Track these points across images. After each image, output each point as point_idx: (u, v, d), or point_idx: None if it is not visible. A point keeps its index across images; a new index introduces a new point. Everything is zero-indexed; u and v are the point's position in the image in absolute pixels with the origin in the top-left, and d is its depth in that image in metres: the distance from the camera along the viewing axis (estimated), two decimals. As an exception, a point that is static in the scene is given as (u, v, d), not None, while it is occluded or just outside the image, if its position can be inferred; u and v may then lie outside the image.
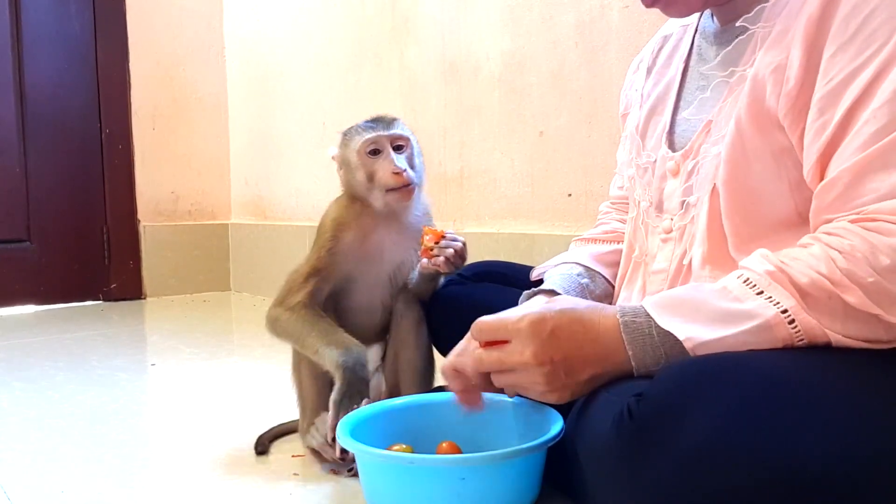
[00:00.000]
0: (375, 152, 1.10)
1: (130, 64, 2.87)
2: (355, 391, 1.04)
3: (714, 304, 0.69)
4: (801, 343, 0.66)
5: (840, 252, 0.65)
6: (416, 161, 1.14)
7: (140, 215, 2.92)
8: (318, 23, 2.55)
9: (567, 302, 0.79)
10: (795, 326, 0.66)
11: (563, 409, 0.89)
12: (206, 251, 3.04)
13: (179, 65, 2.97)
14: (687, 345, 0.69)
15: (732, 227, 0.79)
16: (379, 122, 1.12)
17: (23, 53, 2.70)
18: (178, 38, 2.96)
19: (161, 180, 2.96)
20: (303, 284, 1.12)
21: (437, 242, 1.10)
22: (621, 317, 0.73)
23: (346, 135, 1.14)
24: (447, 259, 1.09)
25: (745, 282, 0.68)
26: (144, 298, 2.92)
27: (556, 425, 0.86)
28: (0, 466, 1.12)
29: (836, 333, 0.66)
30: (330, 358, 1.06)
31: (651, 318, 0.71)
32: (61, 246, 2.80)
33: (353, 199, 1.14)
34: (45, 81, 2.74)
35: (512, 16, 1.85)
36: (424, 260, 1.11)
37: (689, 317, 0.70)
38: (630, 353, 0.72)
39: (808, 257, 0.67)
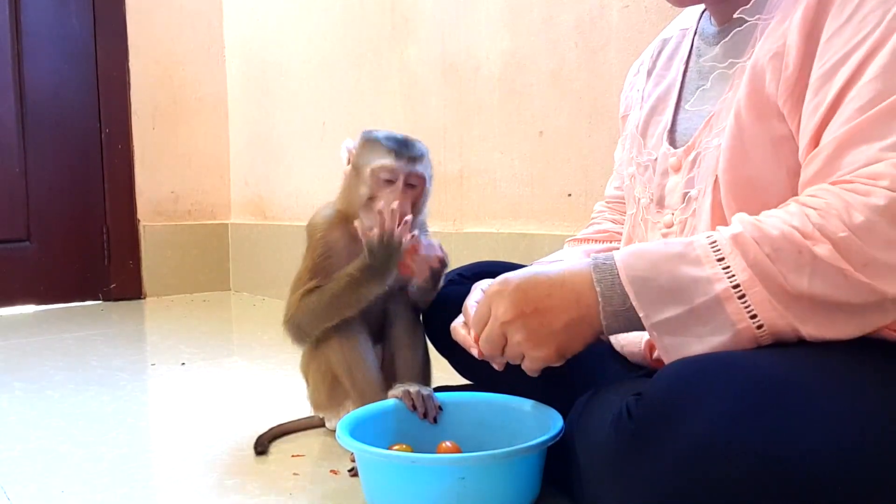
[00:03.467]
0: (388, 181, 1.08)
1: (130, 63, 2.87)
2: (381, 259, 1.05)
3: (674, 270, 0.69)
4: (753, 319, 0.67)
5: (815, 209, 0.66)
6: (422, 201, 1.12)
7: (140, 215, 2.92)
8: (317, 22, 2.56)
9: (534, 266, 0.81)
10: (745, 302, 0.66)
11: (563, 408, 0.89)
12: (206, 251, 3.04)
13: (179, 64, 2.97)
14: (640, 313, 0.70)
15: (732, 215, 0.80)
16: (404, 150, 1.09)
17: (22, 53, 2.70)
18: (178, 37, 2.96)
19: (161, 180, 2.96)
20: (306, 284, 1.12)
21: (411, 258, 1.06)
22: (593, 259, 0.75)
23: (368, 141, 1.11)
24: (433, 270, 1.07)
25: (711, 243, 0.69)
26: (144, 298, 2.92)
27: (556, 425, 0.86)
28: (0, 466, 1.13)
29: (800, 292, 0.65)
30: (354, 266, 1.07)
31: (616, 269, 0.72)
32: (61, 246, 2.80)
33: (347, 200, 1.14)
34: (44, 81, 2.74)
35: (512, 15, 1.85)
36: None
37: (648, 283, 0.70)
38: (598, 289, 0.73)
39: (783, 213, 0.68)
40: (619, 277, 0.72)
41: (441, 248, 1.10)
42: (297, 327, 1.14)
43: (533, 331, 0.76)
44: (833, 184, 0.68)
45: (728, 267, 0.67)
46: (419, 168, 1.09)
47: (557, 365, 0.78)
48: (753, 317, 0.67)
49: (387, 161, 1.08)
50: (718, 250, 0.68)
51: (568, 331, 0.75)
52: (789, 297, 0.66)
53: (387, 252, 1.04)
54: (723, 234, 0.69)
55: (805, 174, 0.72)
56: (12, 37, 2.68)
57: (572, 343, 0.77)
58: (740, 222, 0.70)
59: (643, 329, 0.73)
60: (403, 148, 1.09)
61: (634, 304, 0.70)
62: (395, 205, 1.04)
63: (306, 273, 1.13)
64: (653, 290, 0.70)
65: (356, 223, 1.04)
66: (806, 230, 0.66)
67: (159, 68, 2.93)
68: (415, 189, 1.10)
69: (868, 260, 0.64)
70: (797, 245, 0.66)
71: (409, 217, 1.05)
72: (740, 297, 0.67)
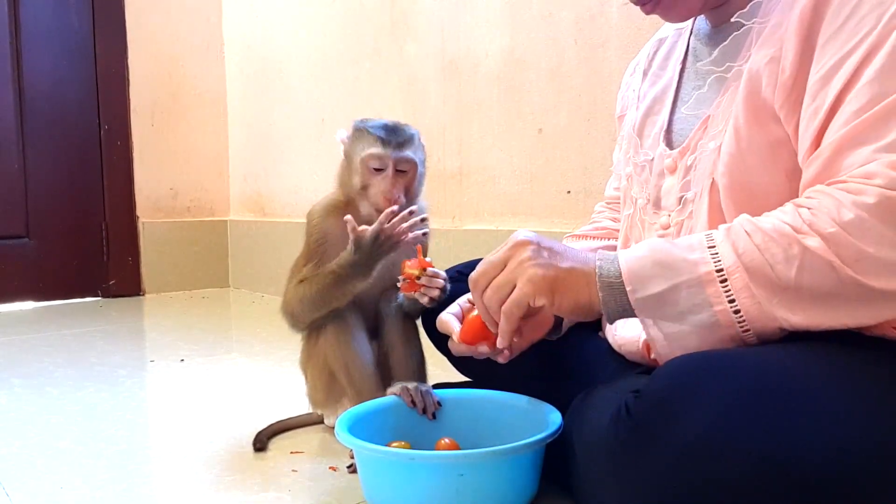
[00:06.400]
0: (378, 169, 1.09)
1: (129, 60, 2.86)
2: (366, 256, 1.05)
3: (666, 251, 0.73)
4: (731, 304, 0.69)
5: (808, 208, 0.68)
6: (416, 185, 1.13)
7: (139, 211, 2.92)
8: (317, 19, 2.55)
9: None
10: (726, 286, 0.69)
11: (561, 405, 0.90)
12: (205, 248, 3.04)
13: (178, 61, 2.97)
14: (627, 288, 0.73)
15: (732, 219, 0.80)
16: (392, 136, 1.09)
17: (21, 49, 2.70)
18: (177, 33, 2.96)
19: (160, 176, 2.96)
20: (301, 269, 1.14)
21: (423, 270, 1.03)
22: (599, 252, 0.79)
23: (358, 130, 1.12)
24: (430, 298, 1.04)
25: (706, 235, 0.73)
26: (143, 295, 2.92)
27: (555, 422, 0.87)
28: (-1, 462, 1.13)
29: (788, 283, 0.67)
30: (338, 263, 1.07)
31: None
32: (60, 242, 2.80)
33: (342, 189, 1.15)
34: (43, 77, 2.74)
35: (511, 12, 1.85)
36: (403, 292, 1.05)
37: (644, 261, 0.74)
38: (598, 263, 0.76)
39: (777, 212, 0.71)
40: (617, 259, 0.75)
41: (445, 277, 1.07)
42: (292, 315, 1.16)
43: (541, 256, 0.77)
44: (829, 184, 0.69)
45: (716, 253, 0.70)
46: (408, 153, 1.10)
47: (539, 304, 0.77)
48: (731, 301, 0.69)
49: (374, 149, 1.08)
50: (712, 240, 0.71)
51: (570, 274, 0.76)
52: (775, 287, 0.68)
53: (378, 251, 1.05)
54: (719, 229, 0.72)
55: (805, 177, 0.73)
56: (11, 33, 2.67)
57: (568, 288, 0.76)
58: (737, 219, 0.72)
59: (634, 314, 0.75)
60: (391, 134, 1.10)
61: (624, 278, 0.73)
62: (394, 208, 1.04)
63: (302, 259, 1.15)
64: (644, 266, 0.73)
65: (346, 218, 1.04)
66: (796, 225, 0.67)
67: (158, 65, 2.93)
68: (406, 174, 1.11)
69: (860, 255, 0.65)
70: (787, 237, 0.67)
71: (408, 209, 1.05)
72: (722, 281, 0.69)
